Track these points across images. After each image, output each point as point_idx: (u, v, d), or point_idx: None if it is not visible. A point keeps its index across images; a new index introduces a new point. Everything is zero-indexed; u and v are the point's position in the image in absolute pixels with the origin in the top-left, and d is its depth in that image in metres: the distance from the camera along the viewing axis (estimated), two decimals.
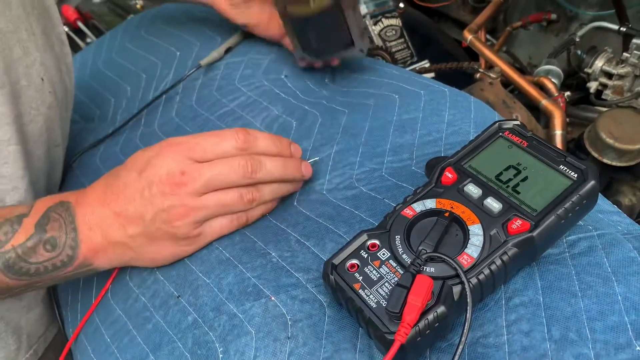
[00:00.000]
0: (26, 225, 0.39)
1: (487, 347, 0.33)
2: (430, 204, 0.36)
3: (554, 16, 1.32)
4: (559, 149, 0.37)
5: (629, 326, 0.32)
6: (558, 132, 0.81)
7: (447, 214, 0.35)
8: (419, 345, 0.31)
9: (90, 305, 0.47)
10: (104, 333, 0.44)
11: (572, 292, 0.34)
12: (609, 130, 0.71)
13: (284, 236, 0.41)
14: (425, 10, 1.56)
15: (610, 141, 0.71)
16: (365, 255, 0.35)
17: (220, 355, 0.36)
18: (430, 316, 0.31)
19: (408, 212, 0.36)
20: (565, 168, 0.36)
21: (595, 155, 0.74)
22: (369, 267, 0.34)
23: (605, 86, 0.94)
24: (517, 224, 0.34)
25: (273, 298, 0.37)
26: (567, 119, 0.90)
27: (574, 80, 1.04)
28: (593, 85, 0.95)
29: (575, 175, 0.35)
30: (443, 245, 0.34)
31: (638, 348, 0.30)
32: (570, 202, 0.34)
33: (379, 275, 0.34)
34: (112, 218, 0.40)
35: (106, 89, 0.70)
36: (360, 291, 0.33)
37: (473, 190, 0.36)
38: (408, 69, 1.24)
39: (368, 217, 0.41)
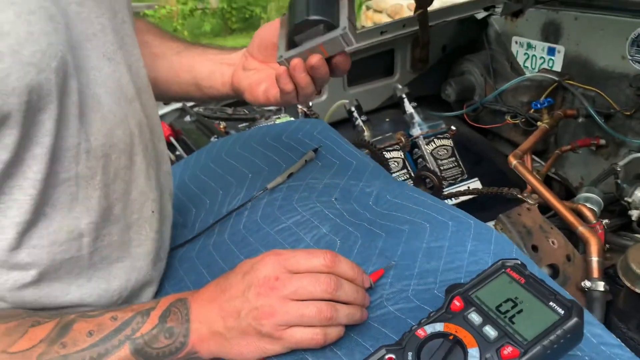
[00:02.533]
0: (152, 317, 0.48)
1: None
2: (439, 327, 0.44)
3: (602, 141, 1.39)
4: (551, 287, 0.44)
5: None
6: (594, 259, 0.86)
7: (451, 337, 0.43)
8: None
9: None
10: None
11: None
12: (639, 262, 0.75)
13: (322, 348, 0.50)
14: (480, 130, 1.67)
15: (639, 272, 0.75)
16: None
17: None
18: None
19: (421, 332, 0.44)
20: (554, 305, 0.43)
21: (628, 284, 0.77)
22: None
23: None
24: (508, 350, 0.40)
25: None
26: (607, 246, 0.94)
27: (617, 207, 1.08)
28: (635, 214, 1.00)
29: (562, 312, 0.42)
30: None
31: None
32: (555, 335, 0.40)
33: None
34: (216, 311, 0.48)
35: (190, 200, 0.84)
36: None
37: (475, 318, 0.44)
38: (457, 186, 1.33)
39: (391, 334, 0.49)
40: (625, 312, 0.83)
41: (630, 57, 1.28)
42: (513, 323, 0.43)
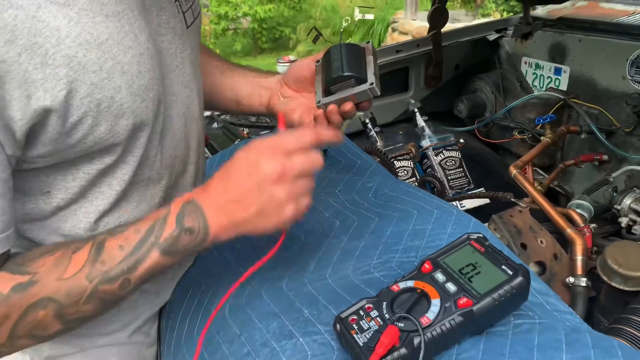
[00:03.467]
0: (170, 222, 0.54)
1: None
2: (410, 283, 0.53)
3: (605, 157, 1.45)
4: (504, 254, 0.54)
5: None
6: (579, 258, 0.93)
7: (419, 291, 0.52)
8: None
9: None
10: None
11: (502, 353, 0.48)
12: (615, 258, 0.83)
13: (315, 300, 0.60)
14: (491, 145, 1.75)
15: (615, 267, 0.82)
16: (362, 313, 0.52)
17: None
18: (395, 354, 0.47)
19: (395, 287, 0.54)
20: (505, 268, 0.52)
21: (606, 279, 0.85)
22: (363, 320, 0.52)
23: (634, 222, 1.05)
24: (463, 300, 0.50)
25: (301, 339, 0.55)
26: (595, 248, 1.02)
27: (610, 215, 1.15)
28: (624, 221, 1.06)
29: (511, 273, 0.51)
30: (413, 311, 0.51)
31: None
32: (503, 289, 0.50)
33: (368, 326, 0.51)
34: (234, 204, 0.55)
35: None
36: (355, 335, 0.50)
37: (440, 277, 0.53)
38: (462, 194, 1.41)
39: (374, 293, 0.58)
40: (607, 308, 0.90)
41: (630, 77, 1.36)
42: (471, 282, 0.52)
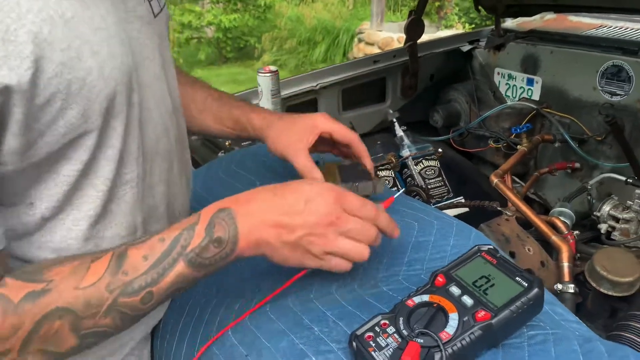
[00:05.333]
0: (198, 231, 0.52)
1: None
2: (425, 298, 0.53)
3: (577, 165, 1.50)
4: (516, 265, 0.54)
5: None
6: (565, 264, 0.95)
7: (435, 305, 0.51)
8: None
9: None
10: None
11: None
12: (603, 265, 0.85)
13: (324, 316, 0.58)
14: (466, 154, 1.78)
15: (604, 273, 0.84)
16: (378, 330, 0.51)
17: None
18: None
19: (410, 302, 0.53)
20: (520, 279, 0.52)
21: (594, 284, 0.87)
22: (379, 337, 0.50)
23: (613, 228, 1.08)
24: (482, 314, 0.49)
25: (314, 359, 0.53)
26: (578, 255, 1.04)
27: (589, 221, 1.18)
28: (603, 227, 1.10)
29: (526, 284, 0.51)
30: (431, 326, 0.50)
31: None
32: (520, 302, 0.50)
33: (386, 343, 0.50)
34: (271, 225, 0.54)
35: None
36: (373, 353, 0.49)
37: (455, 290, 0.53)
38: (443, 203, 1.43)
39: (385, 308, 0.57)
40: (593, 313, 0.92)
41: (600, 88, 1.41)
42: (486, 294, 0.52)
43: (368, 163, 0.78)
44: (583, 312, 0.93)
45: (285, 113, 0.86)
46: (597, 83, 1.41)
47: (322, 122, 0.77)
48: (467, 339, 0.48)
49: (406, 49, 1.66)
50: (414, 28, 1.62)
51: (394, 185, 1.44)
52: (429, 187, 1.48)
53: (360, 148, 0.78)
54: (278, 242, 0.55)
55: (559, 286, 0.93)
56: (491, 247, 0.57)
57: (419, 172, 1.49)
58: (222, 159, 1.03)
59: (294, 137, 0.77)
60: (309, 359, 0.53)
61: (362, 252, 0.56)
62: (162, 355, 0.69)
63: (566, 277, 0.94)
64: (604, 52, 1.41)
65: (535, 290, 0.50)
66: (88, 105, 0.51)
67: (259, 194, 0.57)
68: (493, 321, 0.49)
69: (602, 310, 0.90)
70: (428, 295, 0.53)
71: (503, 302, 0.50)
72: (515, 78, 1.67)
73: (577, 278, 0.98)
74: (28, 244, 0.57)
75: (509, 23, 1.85)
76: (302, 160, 0.75)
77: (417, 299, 0.53)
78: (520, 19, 1.82)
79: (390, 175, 1.46)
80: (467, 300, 0.51)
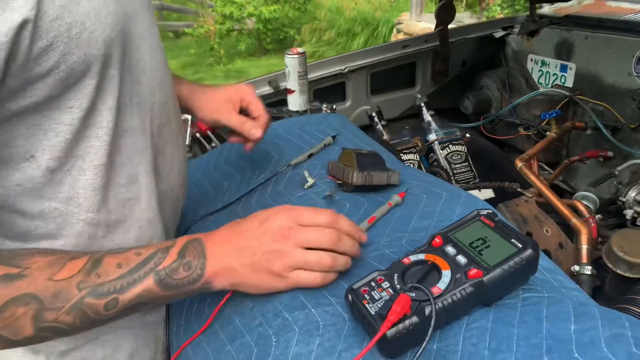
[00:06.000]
0: (172, 253, 0.57)
1: (447, 352, 0.49)
2: (421, 256, 0.54)
3: (610, 153, 1.46)
4: (513, 229, 0.55)
5: (544, 347, 0.46)
6: (584, 247, 0.94)
7: (429, 262, 0.53)
8: (399, 342, 0.48)
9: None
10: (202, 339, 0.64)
11: (511, 323, 0.49)
12: (621, 246, 0.84)
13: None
14: (496, 141, 1.76)
15: (620, 254, 0.83)
16: (373, 284, 0.53)
17: (274, 343, 0.55)
18: (407, 322, 0.48)
19: (406, 260, 0.55)
20: (515, 241, 0.53)
21: (611, 266, 0.86)
22: (374, 291, 0.53)
23: (639, 214, 1.06)
24: (474, 271, 0.51)
25: (313, 310, 0.56)
26: (600, 239, 1.02)
27: (615, 207, 1.16)
28: (629, 213, 1.07)
29: (520, 246, 0.52)
30: (424, 282, 0.52)
31: (545, 358, 0.45)
32: (513, 261, 0.51)
33: (379, 296, 0.52)
34: (232, 250, 0.56)
35: (223, 177, 0.96)
36: (367, 305, 0.51)
37: (450, 250, 0.54)
38: (467, 187, 1.42)
39: (385, 267, 0.59)
40: (611, 296, 0.91)
41: (636, 74, 1.37)
42: (481, 254, 0.53)
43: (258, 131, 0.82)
44: (601, 296, 0.92)
45: (210, 85, 0.90)
46: (633, 69, 1.37)
47: (244, 90, 0.84)
48: (458, 295, 0.50)
49: (437, 34, 1.66)
50: (444, 12, 1.61)
51: (419, 168, 1.45)
52: (455, 171, 1.47)
53: (262, 120, 0.83)
54: (241, 267, 0.56)
55: (576, 267, 0.92)
56: (490, 211, 0.58)
57: (445, 157, 1.49)
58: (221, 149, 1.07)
59: (221, 101, 0.83)
60: (308, 310, 0.56)
61: (325, 259, 0.57)
62: (176, 308, 0.74)
63: (584, 259, 0.93)
64: None
65: (529, 251, 0.51)
66: (88, 50, 0.52)
67: (224, 226, 0.60)
68: (484, 279, 0.50)
69: (619, 293, 0.88)
70: (424, 254, 0.55)
71: (496, 261, 0.51)
72: (549, 64, 1.64)
73: (598, 262, 0.96)
74: (38, 197, 0.58)
75: (545, 9, 1.81)
76: (236, 118, 0.82)
77: (413, 258, 0.55)
78: (556, 5, 1.77)
79: (415, 159, 1.47)
80: (461, 259, 0.53)
